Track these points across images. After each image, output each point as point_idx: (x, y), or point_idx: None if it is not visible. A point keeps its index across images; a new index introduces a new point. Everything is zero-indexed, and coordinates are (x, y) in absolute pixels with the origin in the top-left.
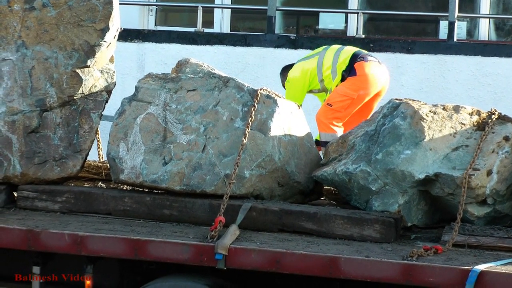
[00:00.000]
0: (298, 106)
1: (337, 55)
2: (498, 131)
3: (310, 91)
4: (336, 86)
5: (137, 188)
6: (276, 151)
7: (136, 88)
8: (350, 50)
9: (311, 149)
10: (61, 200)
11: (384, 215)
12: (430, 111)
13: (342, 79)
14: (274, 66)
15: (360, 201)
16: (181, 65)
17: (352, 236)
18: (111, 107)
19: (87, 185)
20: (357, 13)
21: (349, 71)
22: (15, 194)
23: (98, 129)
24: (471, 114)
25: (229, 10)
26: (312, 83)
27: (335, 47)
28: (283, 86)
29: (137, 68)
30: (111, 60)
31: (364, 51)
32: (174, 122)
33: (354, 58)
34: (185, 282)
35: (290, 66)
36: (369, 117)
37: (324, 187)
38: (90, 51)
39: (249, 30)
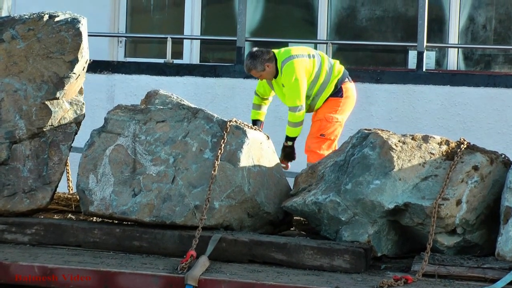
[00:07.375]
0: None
1: (331, 66)
2: (467, 161)
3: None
4: (317, 111)
5: (106, 220)
6: (245, 182)
7: (106, 119)
8: (339, 65)
9: (280, 180)
10: (30, 232)
11: (354, 245)
12: (399, 141)
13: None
14: (244, 97)
15: (330, 231)
16: (150, 96)
17: (322, 267)
18: (81, 139)
19: (57, 217)
20: (326, 43)
21: (335, 89)
22: None
23: (68, 161)
24: (440, 143)
25: (199, 41)
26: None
27: (324, 55)
28: (249, 71)
29: (107, 99)
30: (81, 91)
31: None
32: (144, 153)
33: (344, 76)
34: None
35: (264, 53)
36: (338, 148)
37: (294, 218)
38: (59, 83)
39: (219, 61)
